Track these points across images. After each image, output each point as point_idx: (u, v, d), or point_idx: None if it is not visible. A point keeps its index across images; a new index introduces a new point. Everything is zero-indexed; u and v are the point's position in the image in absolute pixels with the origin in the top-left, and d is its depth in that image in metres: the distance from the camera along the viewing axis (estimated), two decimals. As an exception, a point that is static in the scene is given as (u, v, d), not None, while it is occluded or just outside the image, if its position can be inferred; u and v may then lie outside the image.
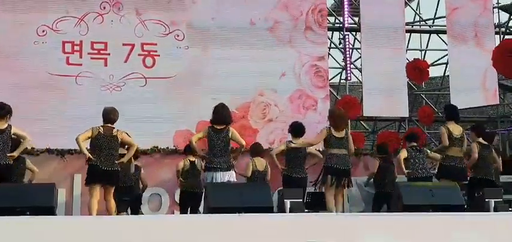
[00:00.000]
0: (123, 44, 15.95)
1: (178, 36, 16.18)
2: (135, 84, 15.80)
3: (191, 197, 12.64)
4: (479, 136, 11.69)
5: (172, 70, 15.98)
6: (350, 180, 10.56)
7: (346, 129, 10.74)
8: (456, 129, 11.10)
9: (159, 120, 15.36)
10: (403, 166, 12.28)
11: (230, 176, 10.05)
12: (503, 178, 13.98)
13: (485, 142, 11.61)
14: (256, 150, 12.63)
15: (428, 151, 12.63)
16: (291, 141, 12.13)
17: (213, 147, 10.17)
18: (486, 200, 9.39)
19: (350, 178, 10.57)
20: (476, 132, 11.82)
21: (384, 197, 12.86)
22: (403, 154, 12.48)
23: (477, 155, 11.15)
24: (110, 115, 10.34)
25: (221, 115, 10.37)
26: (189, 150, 12.50)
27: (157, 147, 14.97)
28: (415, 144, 12.71)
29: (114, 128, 10.27)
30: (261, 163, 12.30)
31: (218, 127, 10.25)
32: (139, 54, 15.99)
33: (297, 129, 12.26)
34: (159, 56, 16.04)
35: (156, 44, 16.08)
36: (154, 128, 15.17)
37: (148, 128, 14.97)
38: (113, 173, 10.12)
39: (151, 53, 16.01)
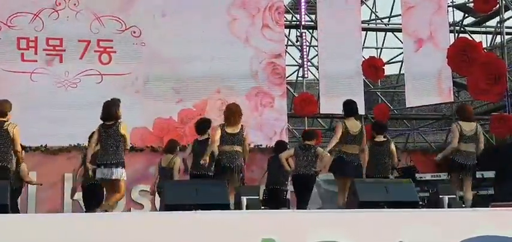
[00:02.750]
0: (79, 41, 15.83)
1: (134, 32, 16.10)
2: (91, 81, 15.67)
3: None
4: (378, 133, 11.84)
5: (129, 67, 15.91)
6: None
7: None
8: (354, 125, 10.68)
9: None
10: (285, 163, 12.24)
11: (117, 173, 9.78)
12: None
13: (383, 139, 11.76)
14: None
15: (320, 148, 12.39)
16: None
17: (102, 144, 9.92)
18: (440, 196, 9.51)
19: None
20: (375, 129, 12.01)
21: None
22: (289, 152, 12.46)
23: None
24: None
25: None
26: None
27: (113, 145, 14.81)
28: (308, 142, 12.49)
29: (6, 121, 9.71)
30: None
31: (107, 124, 10.05)
32: (95, 51, 15.89)
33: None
34: (115, 52, 15.95)
35: (112, 41, 15.99)
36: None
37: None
38: (1, 169, 9.54)
39: (107, 49, 15.91)
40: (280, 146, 13.17)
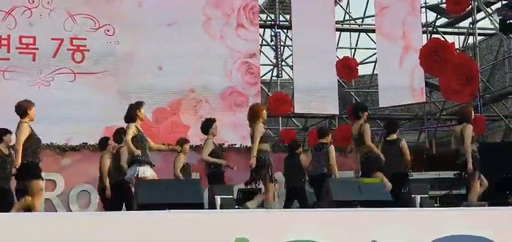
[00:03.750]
0: (52, 39, 15.72)
1: (108, 31, 16.02)
2: (64, 79, 15.58)
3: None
4: (390, 132, 12.03)
5: (102, 65, 15.82)
6: None
7: None
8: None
9: (89, 116, 15.17)
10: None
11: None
12: (430, 175, 14.30)
13: (395, 137, 11.92)
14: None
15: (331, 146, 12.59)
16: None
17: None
18: (412, 196, 9.58)
19: None
20: (387, 128, 12.32)
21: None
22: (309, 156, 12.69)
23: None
24: None
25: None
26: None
27: (86, 144, 14.75)
28: (322, 140, 12.61)
29: None
30: None
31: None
32: (68, 49, 15.77)
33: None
34: (88, 51, 15.85)
35: (85, 39, 15.89)
36: (84, 124, 14.98)
37: (77, 124, 14.78)
38: None
39: (80, 47, 15.81)
40: (295, 145, 13.36)
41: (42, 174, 9.99)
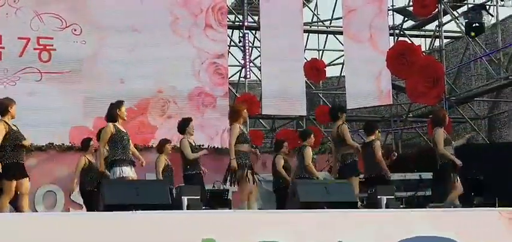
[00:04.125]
0: (19, 38, 15.57)
1: (75, 30, 15.90)
2: (31, 79, 15.44)
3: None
4: (367, 134, 12.09)
5: (69, 65, 15.70)
6: None
7: None
8: None
9: (55, 116, 15.07)
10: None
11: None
12: (396, 176, 14.38)
13: (370, 139, 11.93)
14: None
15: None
16: None
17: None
18: (378, 197, 9.64)
19: None
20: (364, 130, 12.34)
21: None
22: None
23: None
24: None
25: None
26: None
27: (52, 144, 14.64)
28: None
29: None
30: None
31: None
32: (35, 48, 15.63)
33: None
34: (55, 50, 15.72)
35: (52, 38, 15.76)
36: (50, 124, 14.87)
37: (43, 124, 14.66)
38: None
39: (47, 47, 15.68)
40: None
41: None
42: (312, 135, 12.57)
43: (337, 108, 12.15)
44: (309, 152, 12.07)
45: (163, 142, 12.42)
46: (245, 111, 10.93)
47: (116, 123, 9.87)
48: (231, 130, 10.55)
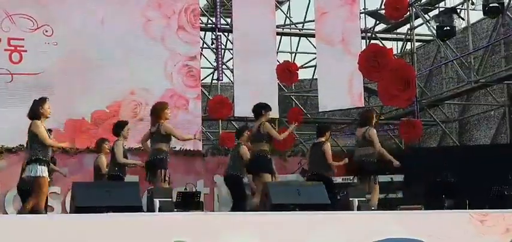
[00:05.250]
0: (-12, 39, 15.44)
1: (47, 31, 15.79)
2: (1, 80, 15.30)
3: None
4: (318, 135, 12.17)
5: (40, 66, 15.57)
6: None
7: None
8: None
9: (26, 118, 14.90)
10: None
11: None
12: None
13: (319, 141, 12.00)
14: None
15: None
16: None
17: None
18: (350, 199, 9.70)
19: None
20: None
21: None
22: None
23: None
24: None
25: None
26: None
27: (23, 146, 14.48)
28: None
29: None
30: None
31: None
32: (5, 49, 15.50)
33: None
34: (26, 51, 15.60)
35: (23, 39, 15.63)
36: (21, 125, 14.70)
37: (14, 125, 14.51)
38: None
39: (18, 48, 15.55)
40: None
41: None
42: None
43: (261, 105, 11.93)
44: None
45: (101, 142, 12.33)
46: (167, 110, 10.93)
47: (41, 121, 9.55)
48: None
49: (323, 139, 11.81)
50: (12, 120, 14.59)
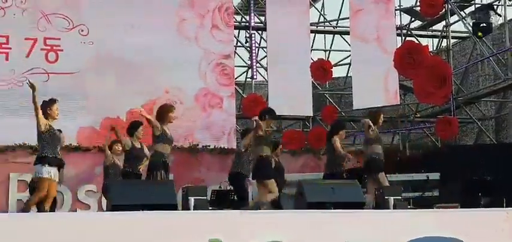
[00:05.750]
0: (26, 39, 15.62)
1: (82, 31, 15.94)
2: (37, 80, 15.34)
3: None
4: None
5: (76, 65, 15.73)
6: None
7: None
8: None
9: (62, 116, 14.96)
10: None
11: None
12: (403, 177, 14.36)
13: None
14: None
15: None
16: None
17: None
18: (386, 197, 9.61)
19: None
20: None
21: None
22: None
23: None
24: None
25: None
26: None
27: (56, 144, 14.62)
28: None
29: None
30: None
31: None
32: (42, 49, 15.67)
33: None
34: (62, 50, 15.75)
35: (59, 39, 15.79)
36: (57, 125, 14.84)
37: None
38: None
39: (54, 47, 15.71)
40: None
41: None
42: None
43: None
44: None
45: (112, 143, 12.34)
46: (171, 113, 10.88)
47: (49, 121, 9.62)
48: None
49: (336, 137, 11.66)
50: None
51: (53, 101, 9.77)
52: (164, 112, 10.81)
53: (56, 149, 9.59)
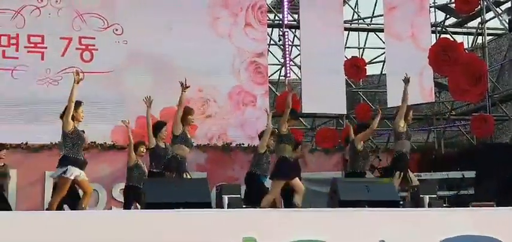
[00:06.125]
0: (61, 38, 15.76)
1: (117, 30, 16.05)
2: (72, 78, 15.53)
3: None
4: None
5: (110, 65, 15.84)
6: None
7: None
8: None
9: (97, 115, 15.17)
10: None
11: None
12: (438, 175, 14.26)
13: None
14: None
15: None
16: None
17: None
18: (421, 196, 9.56)
19: None
20: None
21: None
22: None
23: None
24: None
25: None
26: None
27: (95, 143, 14.77)
28: None
29: None
30: None
31: None
32: (76, 48, 15.80)
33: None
34: (97, 50, 15.88)
35: (94, 38, 15.92)
36: (92, 123, 14.98)
37: (85, 123, 14.76)
38: None
39: (89, 47, 15.84)
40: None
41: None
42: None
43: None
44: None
45: (138, 144, 12.45)
46: (190, 116, 11.04)
47: (74, 123, 9.83)
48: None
49: (359, 136, 11.80)
50: (84, 118, 14.85)
51: (78, 103, 9.96)
52: (185, 114, 10.82)
53: (80, 150, 9.72)
